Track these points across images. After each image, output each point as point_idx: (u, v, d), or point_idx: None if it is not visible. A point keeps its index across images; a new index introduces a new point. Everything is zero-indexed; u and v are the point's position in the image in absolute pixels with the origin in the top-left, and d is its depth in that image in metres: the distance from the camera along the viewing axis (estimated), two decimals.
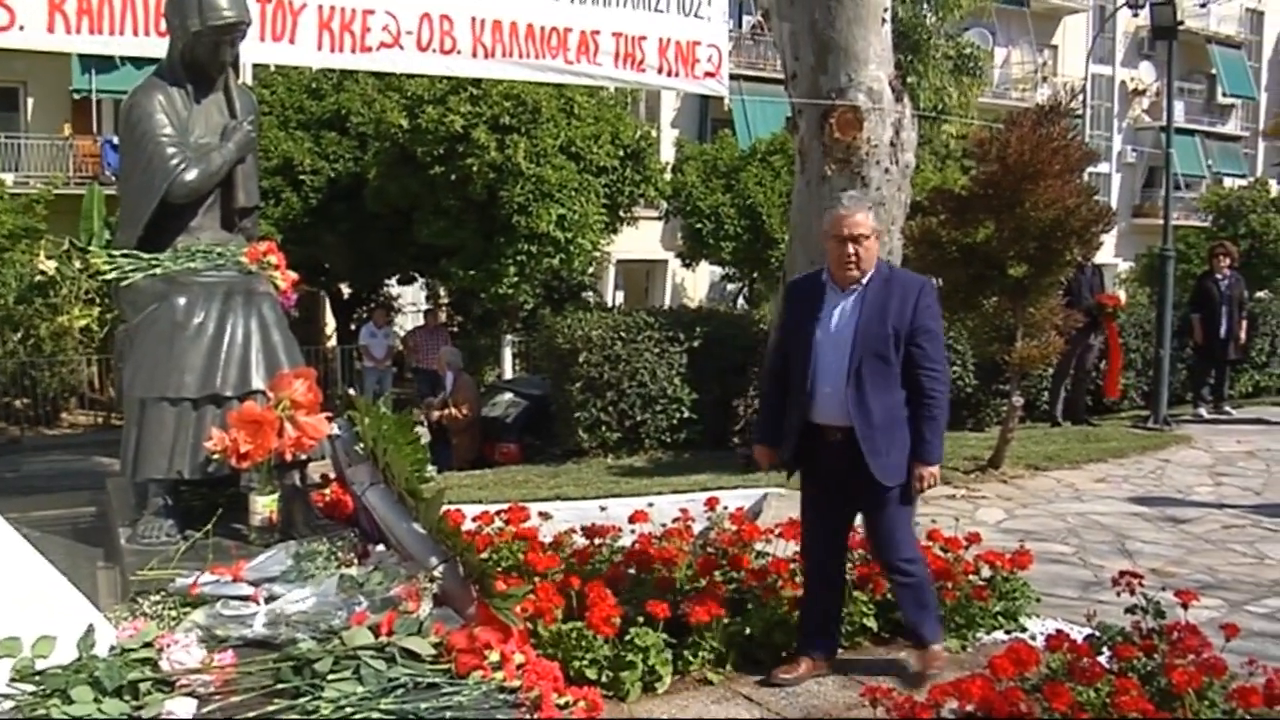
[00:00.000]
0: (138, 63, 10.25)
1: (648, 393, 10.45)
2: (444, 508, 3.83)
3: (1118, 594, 4.45)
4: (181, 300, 4.52)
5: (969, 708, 3.58)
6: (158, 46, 5.73)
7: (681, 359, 10.56)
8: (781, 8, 9.77)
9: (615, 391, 10.39)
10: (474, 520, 5.50)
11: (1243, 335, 12.84)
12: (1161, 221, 13.33)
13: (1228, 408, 12.86)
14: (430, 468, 4.02)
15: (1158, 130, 34.64)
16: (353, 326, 21.82)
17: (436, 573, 3.50)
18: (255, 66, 18.18)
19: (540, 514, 5.75)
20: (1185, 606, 4.32)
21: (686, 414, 10.58)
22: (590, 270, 23.18)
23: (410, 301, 25.27)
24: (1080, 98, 31.63)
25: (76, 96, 23.65)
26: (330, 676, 3.05)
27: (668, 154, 25.39)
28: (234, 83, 4.96)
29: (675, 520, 5.58)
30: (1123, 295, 15.87)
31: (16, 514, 4.51)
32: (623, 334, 10.47)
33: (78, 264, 16.23)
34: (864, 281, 4.39)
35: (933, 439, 4.34)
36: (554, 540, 5.39)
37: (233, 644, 3.27)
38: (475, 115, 16.09)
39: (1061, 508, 8.05)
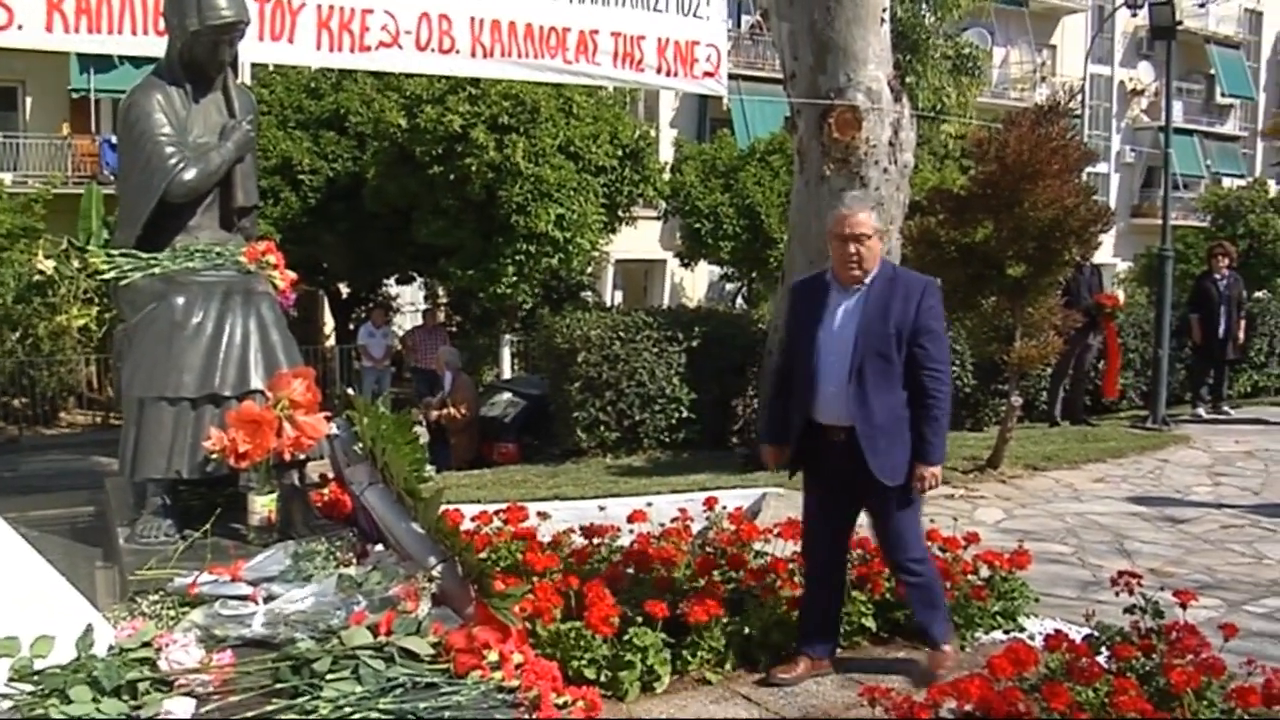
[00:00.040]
0: (136, 62, 10.27)
1: (646, 392, 10.45)
2: (442, 507, 3.83)
3: (1116, 594, 4.45)
4: (180, 300, 4.52)
5: (967, 707, 3.57)
6: (156, 46, 5.73)
7: (680, 359, 10.56)
8: (780, 7, 9.78)
9: (614, 391, 10.39)
10: (472, 520, 5.50)
11: (1241, 335, 12.85)
12: (1160, 221, 13.33)
13: (1226, 408, 12.86)
14: (429, 467, 4.02)
15: (1156, 130, 34.66)
16: (351, 326, 21.82)
17: (435, 572, 3.50)
18: (254, 66, 18.19)
19: (539, 514, 5.75)
20: (1184, 606, 4.32)
21: (685, 414, 10.58)
22: (589, 270, 23.20)
23: (409, 301, 25.26)
24: (1079, 97, 31.63)
25: (75, 96, 23.64)
26: (329, 676, 3.05)
27: (666, 154, 25.39)
28: (233, 82, 4.96)
29: (674, 520, 5.59)
30: (1121, 295, 15.88)
31: (15, 513, 4.52)
32: (621, 334, 10.47)
33: (76, 263, 16.20)
34: (867, 281, 4.39)
35: (934, 439, 4.34)
36: (552, 540, 5.39)
37: (231, 644, 3.27)
38: (474, 115, 16.09)
39: (1060, 508, 8.05)
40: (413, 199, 17.13)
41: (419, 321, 20.04)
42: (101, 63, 21.28)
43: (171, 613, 3.51)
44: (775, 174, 20.32)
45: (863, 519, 4.69)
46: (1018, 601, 5.27)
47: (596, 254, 20.69)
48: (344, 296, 22.79)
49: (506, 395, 14.07)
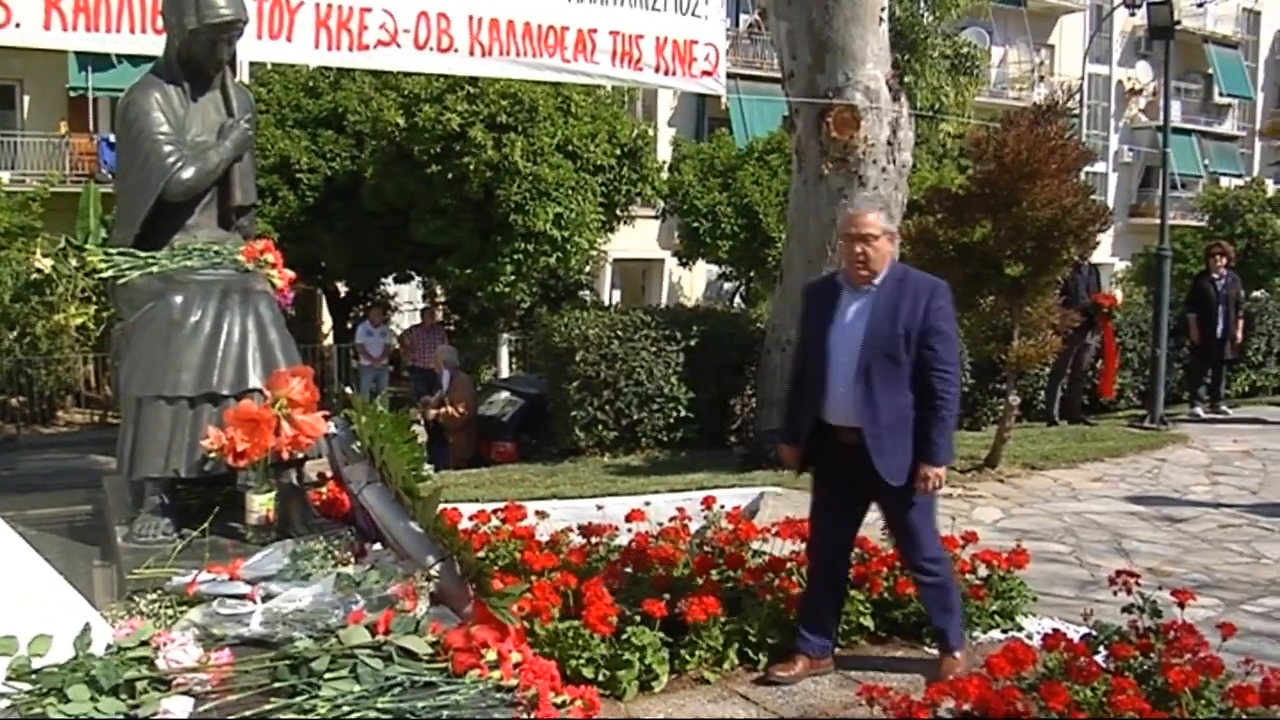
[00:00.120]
0: (135, 60, 10.25)
1: (644, 391, 10.44)
2: (440, 506, 3.83)
3: (1114, 593, 4.45)
4: (178, 299, 4.52)
5: (965, 707, 3.58)
6: (154, 44, 5.73)
7: (678, 358, 10.55)
8: (779, 7, 9.79)
9: (612, 390, 10.39)
10: (471, 519, 5.50)
11: (1239, 335, 12.84)
12: (1158, 221, 13.34)
13: (1224, 407, 12.87)
14: (426, 466, 4.01)
15: (1154, 130, 34.71)
16: (349, 325, 21.82)
17: (433, 571, 3.50)
18: (252, 64, 18.24)
19: (537, 513, 5.75)
20: (1182, 606, 4.33)
21: (683, 413, 10.58)
22: (587, 269, 23.20)
23: (407, 300, 25.26)
24: (1077, 97, 31.61)
25: (73, 94, 23.62)
26: (327, 675, 3.05)
27: (665, 153, 25.41)
28: (231, 81, 4.95)
29: (672, 519, 5.59)
30: (1119, 295, 15.89)
31: (13, 512, 4.51)
32: (619, 333, 10.47)
33: (74, 262, 16.24)
34: (877, 282, 4.40)
35: (940, 440, 4.34)
36: (551, 539, 5.39)
37: (229, 643, 3.27)
38: (472, 114, 16.08)
39: (1058, 507, 8.05)
40: (411, 198, 17.12)
41: (417, 320, 20.02)
42: (100, 61, 21.27)
43: (169, 612, 3.51)
44: (773, 173, 20.32)
45: (868, 519, 4.70)
46: (1016, 601, 5.28)
47: (594, 253, 20.68)
48: (342, 295, 22.78)
49: (504, 394, 14.07)
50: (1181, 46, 28.24)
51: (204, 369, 4.43)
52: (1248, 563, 6.65)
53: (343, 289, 22.59)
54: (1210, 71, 41.49)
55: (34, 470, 12.85)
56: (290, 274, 5.10)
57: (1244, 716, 3.64)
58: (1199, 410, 12.64)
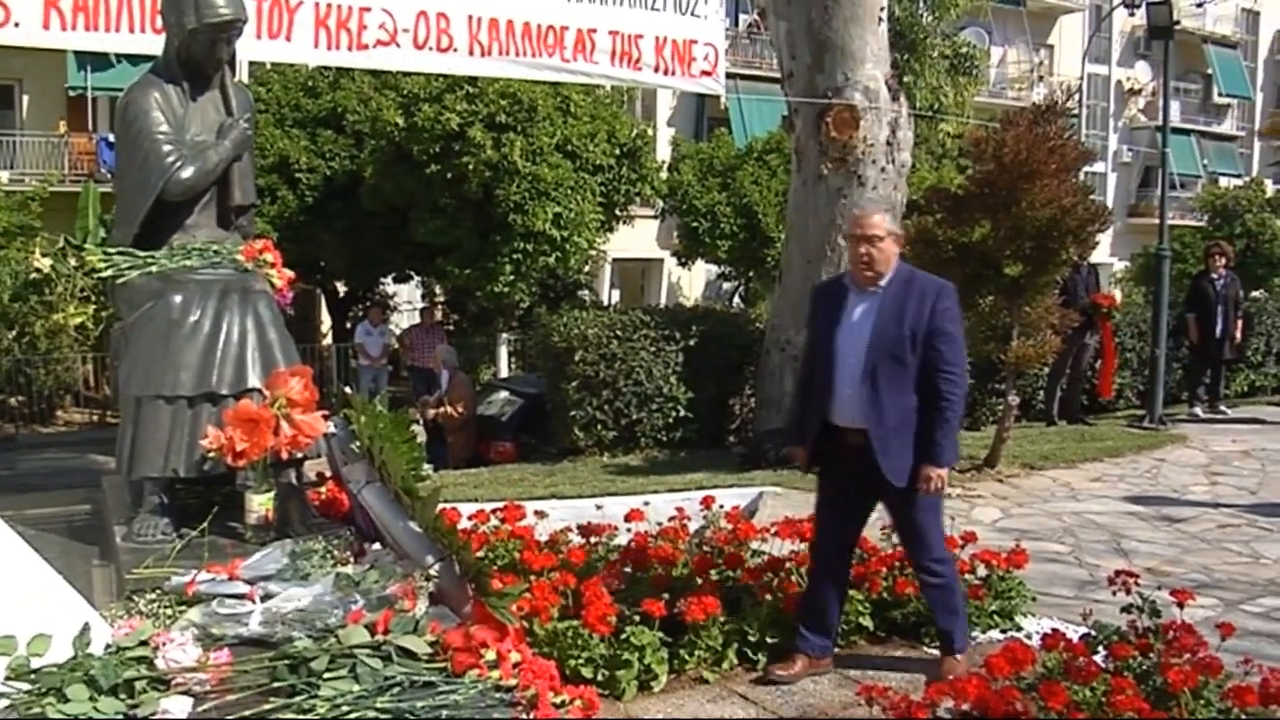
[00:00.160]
0: (134, 60, 10.24)
1: (643, 391, 10.45)
2: (439, 506, 3.83)
3: (1113, 593, 4.45)
4: (177, 298, 4.52)
5: (965, 707, 3.57)
6: (154, 44, 5.73)
7: (677, 358, 10.56)
8: (778, 6, 9.79)
9: (611, 390, 10.39)
10: (470, 519, 5.50)
11: (1238, 335, 12.84)
12: (1157, 221, 13.33)
13: (1223, 407, 12.86)
14: (426, 466, 4.01)
15: (1154, 130, 34.74)
16: (348, 325, 21.81)
17: (432, 571, 3.50)
18: (251, 64, 18.25)
19: (536, 513, 5.75)
20: (1181, 606, 4.32)
21: (682, 413, 10.58)
22: (586, 269, 23.19)
23: (406, 300, 25.26)
24: (1076, 97, 31.61)
25: (72, 94, 23.60)
26: (326, 675, 3.05)
27: (664, 152, 25.41)
28: (230, 80, 4.95)
29: (671, 519, 5.58)
30: (1118, 295, 15.90)
31: (12, 512, 4.51)
32: (619, 333, 10.47)
33: (73, 261, 16.26)
34: (883, 284, 4.41)
35: (943, 441, 4.34)
36: (550, 539, 5.39)
37: (228, 642, 3.27)
38: (471, 113, 16.08)
39: (1057, 507, 8.05)
40: (410, 198, 17.12)
41: (416, 320, 20.02)
42: (99, 61, 21.26)
43: (169, 611, 3.51)
44: (773, 173, 20.32)
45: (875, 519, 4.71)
46: (1015, 601, 5.28)
47: (594, 253, 20.69)
48: (341, 295, 22.78)
49: (503, 394, 14.07)
50: (1180, 46, 28.24)
51: (203, 368, 4.43)
52: (1247, 563, 6.65)
53: (342, 289, 22.59)
54: (1209, 71, 41.50)
55: (33, 470, 12.85)
56: (289, 273, 5.10)
57: (1243, 716, 3.64)
58: (1198, 410, 12.64)
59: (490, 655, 3.21)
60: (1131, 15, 30.81)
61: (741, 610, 4.75)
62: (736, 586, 4.95)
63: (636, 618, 4.44)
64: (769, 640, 4.66)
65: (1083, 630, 4.48)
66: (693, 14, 8.77)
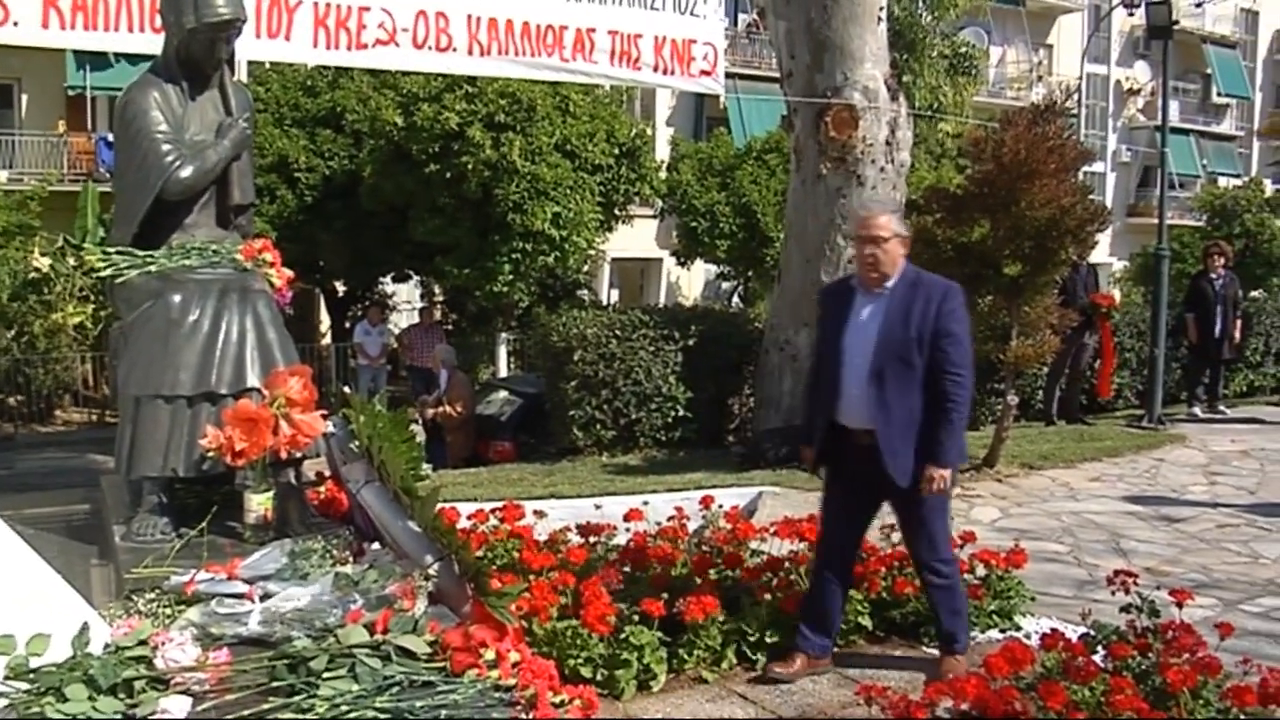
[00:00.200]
0: (133, 59, 10.24)
1: (642, 391, 10.44)
2: (438, 505, 3.82)
3: (1112, 593, 4.45)
4: (176, 298, 4.52)
5: (964, 706, 3.58)
6: (153, 43, 5.73)
7: (676, 357, 10.55)
8: (778, 6, 9.79)
9: (610, 390, 10.39)
10: (469, 518, 5.50)
11: (1237, 335, 12.84)
12: (1156, 221, 13.33)
13: (1222, 407, 12.87)
14: (425, 465, 4.01)
15: (1153, 130, 34.79)
16: (347, 324, 21.81)
17: (431, 571, 3.49)
18: (250, 63, 18.25)
19: (535, 512, 5.75)
20: (1180, 605, 4.32)
21: (681, 412, 10.57)
22: (585, 268, 23.19)
23: (405, 299, 25.26)
24: (1075, 97, 31.62)
25: (71, 93, 23.59)
26: (325, 675, 3.05)
27: (663, 152, 25.40)
28: (229, 80, 4.95)
29: (670, 518, 5.58)
30: (1117, 294, 15.90)
31: (10, 511, 4.51)
32: (618, 332, 10.47)
33: (72, 261, 16.27)
34: (890, 285, 4.42)
35: (947, 441, 4.34)
36: (549, 538, 5.39)
37: (227, 642, 3.27)
38: (470, 113, 16.08)
39: (1056, 506, 8.06)
40: (409, 197, 17.12)
41: (415, 319, 20.03)
42: (98, 60, 21.26)
43: (168, 611, 3.51)
44: (772, 173, 20.31)
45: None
46: (1014, 600, 5.27)
47: (593, 252, 20.68)
48: (340, 294, 22.78)
49: (503, 393, 14.06)
50: (1180, 46, 28.25)
51: (202, 368, 4.43)
52: (1245, 562, 6.65)
53: (341, 288, 22.59)
54: (1208, 71, 41.51)
55: (32, 469, 12.85)
56: (288, 273, 5.10)
57: (1242, 716, 3.64)
58: (1197, 410, 12.64)
59: (489, 655, 3.21)
60: (1130, 15, 30.90)
61: (740, 610, 4.75)
62: (735, 586, 4.95)
63: (635, 617, 4.44)
64: (768, 640, 4.66)
65: (1082, 630, 4.48)
66: (692, 13, 8.77)
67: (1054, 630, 4.36)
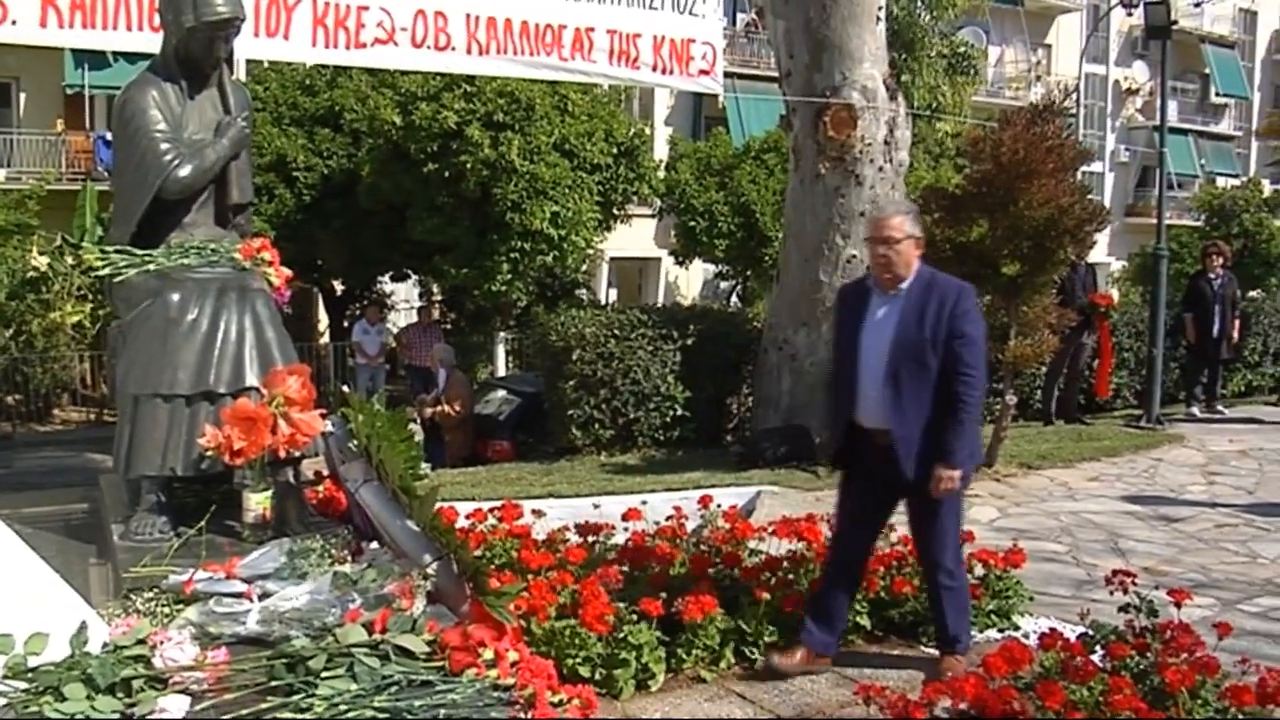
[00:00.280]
0: (131, 58, 10.24)
1: (641, 390, 10.44)
2: (437, 505, 3.82)
3: (1111, 593, 4.45)
4: (175, 296, 4.52)
5: (962, 706, 3.58)
6: (151, 42, 5.73)
7: (675, 357, 10.54)
8: (776, 6, 9.79)
9: (608, 389, 10.38)
10: (467, 518, 5.50)
11: (1235, 334, 12.84)
12: (1155, 220, 13.33)
13: (1220, 407, 12.87)
14: (423, 465, 4.01)
15: (1151, 129, 34.81)
16: (346, 323, 21.80)
17: (430, 570, 3.50)
18: (249, 62, 18.24)
19: (533, 512, 5.74)
20: (1178, 605, 4.33)
21: (680, 412, 10.57)
22: (584, 268, 23.17)
23: (403, 298, 25.23)
24: (1074, 97, 31.61)
25: (69, 92, 23.58)
26: (324, 674, 3.05)
27: (661, 151, 25.39)
28: (228, 79, 4.95)
29: (669, 518, 5.58)
30: (1116, 294, 15.89)
31: (9, 510, 4.52)
32: (616, 332, 10.46)
33: (70, 260, 16.28)
34: (904, 286, 4.42)
35: (956, 442, 4.34)
36: (547, 538, 5.39)
37: (226, 641, 3.27)
38: (469, 112, 16.07)
39: (1055, 506, 8.06)
40: (407, 196, 17.11)
41: (413, 319, 20.00)
42: (96, 59, 21.24)
43: (166, 610, 3.51)
44: (770, 172, 20.30)
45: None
46: (1012, 600, 5.28)
47: (591, 252, 20.68)
48: (338, 294, 22.77)
49: (501, 393, 14.05)
50: (1178, 46, 28.24)
51: (201, 367, 4.43)
52: (1244, 562, 6.65)
53: (339, 287, 22.57)
54: (1207, 71, 41.53)
55: (30, 468, 12.84)
56: (287, 272, 5.10)
57: (1240, 716, 3.64)
58: (1195, 410, 12.65)
59: (488, 654, 3.21)
60: (1129, 15, 30.89)
61: (739, 609, 4.74)
62: (734, 586, 4.94)
63: (634, 617, 4.43)
64: (766, 639, 4.66)
65: (1080, 630, 4.48)
66: (690, 13, 8.77)
67: (1052, 630, 4.36)
